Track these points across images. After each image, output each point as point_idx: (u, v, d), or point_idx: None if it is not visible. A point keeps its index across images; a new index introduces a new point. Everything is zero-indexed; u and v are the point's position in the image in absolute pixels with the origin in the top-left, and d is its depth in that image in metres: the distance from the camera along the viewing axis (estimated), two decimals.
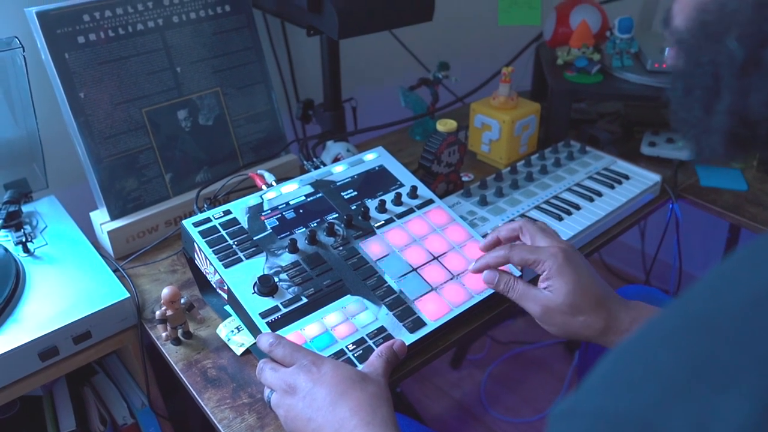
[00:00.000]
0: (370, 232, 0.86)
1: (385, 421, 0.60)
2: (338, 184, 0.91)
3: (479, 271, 0.79)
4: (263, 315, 0.73)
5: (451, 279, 0.82)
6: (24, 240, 0.90)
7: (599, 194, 1.03)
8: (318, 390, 0.62)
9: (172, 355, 0.79)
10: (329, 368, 0.64)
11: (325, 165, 0.96)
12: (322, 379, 0.63)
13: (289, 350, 0.67)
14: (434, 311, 0.78)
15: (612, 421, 0.31)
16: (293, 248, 0.80)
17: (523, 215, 0.97)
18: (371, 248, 0.84)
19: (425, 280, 0.81)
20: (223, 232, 0.81)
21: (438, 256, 0.85)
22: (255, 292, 0.75)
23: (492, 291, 0.81)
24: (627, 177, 1.08)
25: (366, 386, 0.63)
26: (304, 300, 0.76)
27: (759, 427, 0.27)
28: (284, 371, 0.65)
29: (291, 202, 0.87)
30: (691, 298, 0.34)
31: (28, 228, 0.94)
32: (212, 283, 0.80)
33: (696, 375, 0.30)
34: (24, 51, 0.86)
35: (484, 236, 0.91)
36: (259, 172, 0.95)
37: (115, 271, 0.90)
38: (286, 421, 0.64)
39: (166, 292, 0.77)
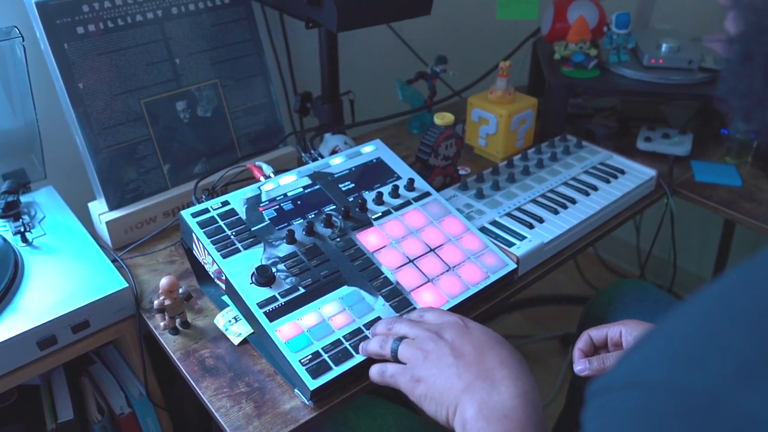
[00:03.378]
0: (367, 224, 0.86)
1: (531, 381, 0.59)
2: (336, 176, 0.92)
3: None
4: (261, 305, 0.74)
5: (448, 270, 0.83)
6: (22, 230, 0.91)
7: (595, 188, 1.04)
8: (466, 341, 0.63)
9: (170, 344, 0.80)
10: (476, 325, 0.66)
11: (322, 157, 0.97)
12: (470, 333, 0.64)
13: (437, 313, 0.69)
14: (430, 302, 0.78)
15: (680, 393, 0.31)
16: (291, 239, 0.81)
17: (519, 208, 0.98)
18: (368, 240, 0.84)
19: (422, 271, 0.82)
20: (221, 223, 0.81)
21: (434, 248, 0.85)
22: (253, 282, 0.76)
23: (488, 284, 0.82)
24: (623, 172, 1.09)
25: (511, 348, 0.63)
26: (302, 290, 0.76)
27: None
28: (430, 323, 0.67)
29: (289, 194, 0.87)
30: (755, 282, 0.34)
31: (26, 218, 0.94)
32: (210, 273, 0.81)
33: None
34: (23, 41, 0.86)
35: (480, 229, 0.91)
36: (257, 163, 0.95)
37: (113, 261, 0.90)
38: (425, 363, 0.62)
39: (164, 281, 0.78)
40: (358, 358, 0.71)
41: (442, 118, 1.04)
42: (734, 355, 0.31)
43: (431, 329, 0.66)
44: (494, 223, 0.94)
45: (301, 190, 0.88)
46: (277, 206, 0.85)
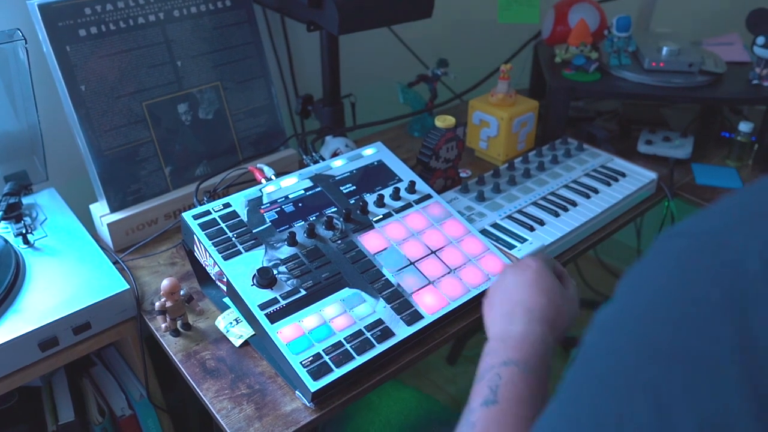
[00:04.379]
0: (368, 226, 0.87)
1: (552, 323, 0.66)
2: (337, 178, 0.92)
3: None
4: (262, 307, 0.74)
5: (449, 273, 0.83)
6: (24, 231, 0.91)
7: (596, 191, 1.04)
8: (519, 281, 0.70)
9: (171, 346, 0.80)
10: (536, 265, 0.72)
11: (324, 160, 0.97)
12: (526, 273, 0.71)
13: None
14: (431, 304, 0.78)
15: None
16: (292, 241, 0.81)
17: (520, 211, 0.98)
18: (369, 242, 0.84)
19: (423, 273, 0.82)
20: (223, 225, 0.81)
21: (435, 251, 0.85)
22: (254, 284, 0.76)
23: (489, 285, 0.82)
24: (623, 174, 1.09)
25: (551, 297, 0.69)
26: (303, 292, 0.76)
27: None
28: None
29: (290, 196, 0.87)
30: None
31: (28, 220, 0.95)
32: (211, 275, 0.81)
33: None
34: (26, 43, 0.86)
35: (481, 231, 0.91)
36: (258, 165, 0.95)
37: (114, 263, 0.90)
38: (493, 289, 0.72)
39: (165, 283, 0.78)
40: (359, 360, 0.71)
41: (443, 121, 1.04)
42: None
43: (510, 266, 0.74)
44: (495, 225, 0.95)
45: (303, 192, 0.89)
46: (279, 208, 0.85)
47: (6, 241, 0.88)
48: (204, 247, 0.79)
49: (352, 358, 0.71)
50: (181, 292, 0.80)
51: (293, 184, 0.89)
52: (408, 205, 0.91)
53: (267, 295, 0.75)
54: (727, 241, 0.34)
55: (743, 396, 0.30)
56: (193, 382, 0.74)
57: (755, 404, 0.30)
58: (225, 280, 0.77)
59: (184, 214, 0.82)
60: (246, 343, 0.79)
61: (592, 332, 0.39)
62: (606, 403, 0.34)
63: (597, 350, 0.38)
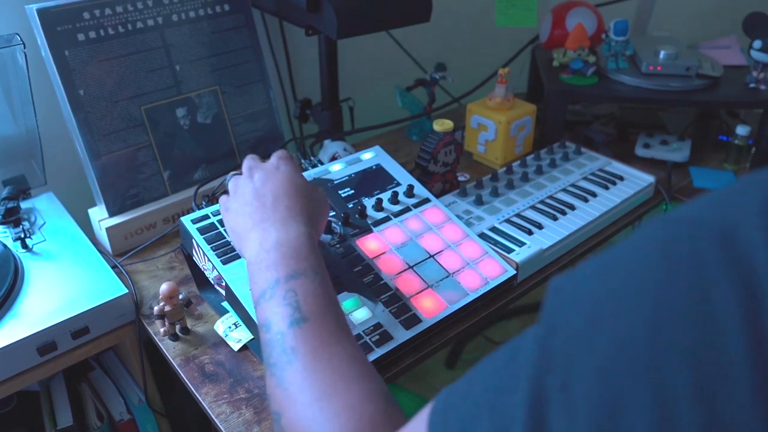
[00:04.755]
0: (366, 230, 0.87)
1: (316, 226, 0.67)
2: (336, 182, 0.92)
3: None
4: None
5: (447, 277, 0.83)
6: (22, 236, 0.91)
7: (594, 194, 1.04)
8: (268, 185, 0.68)
9: (170, 350, 0.80)
10: (286, 170, 0.70)
11: (322, 164, 0.97)
12: (275, 177, 0.69)
13: (274, 157, 0.74)
14: (430, 308, 0.79)
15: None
16: None
17: (518, 215, 0.98)
18: (368, 246, 0.85)
19: (421, 277, 0.82)
20: (222, 229, 0.81)
21: (434, 254, 0.86)
22: None
23: (487, 289, 0.82)
24: (621, 178, 1.09)
25: (313, 195, 0.70)
26: None
27: None
28: (256, 162, 0.73)
29: None
30: None
31: (26, 224, 0.95)
32: (210, 279, 0.81)
33: None
34: (25, 47, 0.86)
35: (480, 235, 0.92)
36: None
37: (113, 267, 0.90)
38: (233, 197, 0.71)
39: (164, 287, 0.78)
40: None
41: (442, 125, 1.04)
42: None
43: (249, 165, 0.72)
44: (493, 229, 0.95)
45: None
46: None
47: (4, 246, 0.88)
48: (203, 251, 0.79)
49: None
50: (180, 297, 0.80)
51: None
52: (406, 209, 0.91)
53: None
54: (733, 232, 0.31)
55: (754, 394, 0.28)
56: (191, 387, 0.74)
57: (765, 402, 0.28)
58: (224, 284, 0.77)
59: (182, 219, 0.82)
60: (245, 347, 0.79)
61: (567, 311, 0.35)
62: (604, 394, 0.32)
63: (588, 337, 0.34)
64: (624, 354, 0.31)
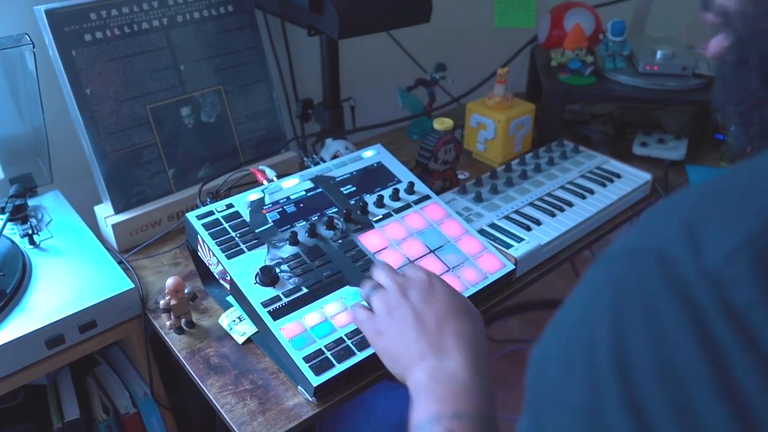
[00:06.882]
0: (368, 226, 0.88)
1: (482, 351, 0.62)
2: (338, 179, 0.94)
3: None
4: (265, 304, 0.75)
5: (447, 271, 0.85)
6: (30, 232, 0.92)
7: (591, 192, 1.06)
8: (428, 307, 0.65)
9: (176, 343, 0.81)
10: (441, 289, 0.67)
11: (324, 162, 0.99)
12: (434, 298, 0.66)
13: (413, 268, 0.71)
14: None
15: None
16: (294, 240, 0.83)
17: (517, 211, 1.00)
18: (369, 241, 0.86)
19: None
20: (226, 225, 0.83)
21: (434, 250, 0.87)
22: (257, 282, 0.77)
23: (487, 284, 0.84)
24: (619, 176, 1.11)
25: (471, 316, 0.65)
26: (305, 290, 0.78)
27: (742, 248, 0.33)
28: (403, 276, 0.69)
29: (292, 197, 0.89)
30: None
31: (33, 221, 0.96)
32: (215, 274, 0.82)
33: None
34: (34, 47, 0.88)
35: (479, 231, 0.93)
36: (260, 167, 0.97)
37: (119, 263, 0.92)
38: (388, 319, 0.66)
39: (170, 282, 0.79)
40: (360, 356, 0.72)
41: (442, 124, 1.06)
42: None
43: (399, 282, 0.68)
44: (492, 225, 0.96)
45: (304, 193, 0.90)
46: (281, 209, 0.87)
47: (13, 242, 0.90)
48: (208, 246, 0.81)
49: (353, 353, 0.73)
50: (186, 291, 0.82)
51: (295, 185, 0.91)
52: (407, 206, 0.93)
53: (269, 293, 0.77)
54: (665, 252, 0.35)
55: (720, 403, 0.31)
56: (197, 378, 0.76)
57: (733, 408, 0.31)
58: (228, 278, 0.78)
59: (188, 215, 0.84)
60: (249, 340, 0.81)
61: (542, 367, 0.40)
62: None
63: (562, 381, 0.38)
64: (598, 392, 0.35)
